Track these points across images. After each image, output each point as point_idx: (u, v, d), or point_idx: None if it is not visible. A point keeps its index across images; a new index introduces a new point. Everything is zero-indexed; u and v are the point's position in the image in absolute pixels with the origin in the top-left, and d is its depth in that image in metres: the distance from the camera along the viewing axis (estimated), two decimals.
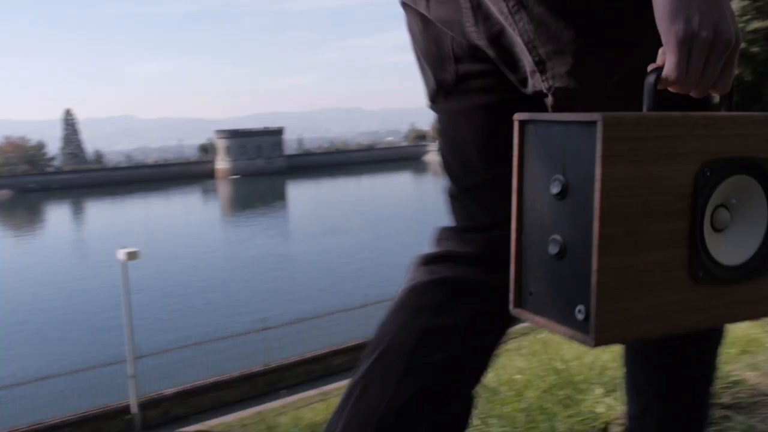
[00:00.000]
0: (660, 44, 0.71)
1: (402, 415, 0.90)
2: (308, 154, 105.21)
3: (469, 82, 0.95)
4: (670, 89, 0.70)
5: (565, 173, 0.66)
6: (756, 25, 10.53)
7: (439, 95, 0.99)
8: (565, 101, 0.85)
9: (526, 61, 0.86)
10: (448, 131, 1.01)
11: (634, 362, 1.12)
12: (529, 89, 0.87)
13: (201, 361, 15.35)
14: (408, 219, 41.91)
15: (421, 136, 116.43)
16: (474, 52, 0.93)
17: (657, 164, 0.64)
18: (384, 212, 46.08)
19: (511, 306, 0.75)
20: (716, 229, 0.68)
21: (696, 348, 1.06)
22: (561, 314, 0.67)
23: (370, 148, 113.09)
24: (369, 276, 25.07)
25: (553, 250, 0.67)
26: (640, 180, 0.63)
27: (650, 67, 0.70)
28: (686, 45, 0.67)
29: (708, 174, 0.66)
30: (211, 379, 15.07)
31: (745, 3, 9.90)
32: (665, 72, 0.69)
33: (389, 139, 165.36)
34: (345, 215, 45.41)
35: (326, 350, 16.50)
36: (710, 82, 0.70)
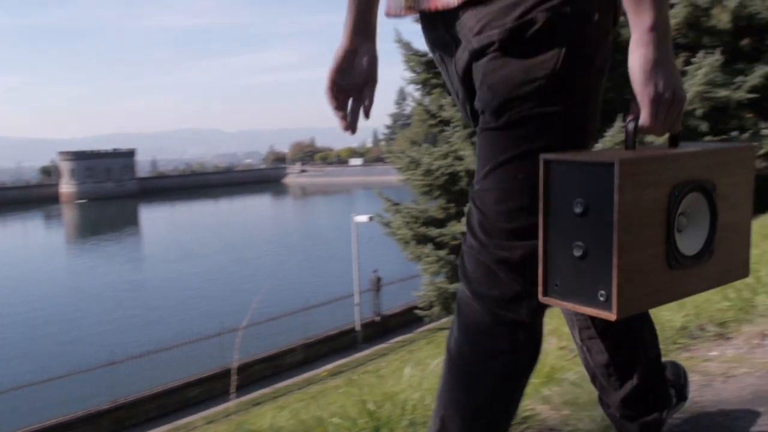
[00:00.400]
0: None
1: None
2: (162, 176, 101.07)
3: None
4: (641, 132, 1.00)
5: (586, 198, 0.92)
6: None
7: None
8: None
9: None
10: None
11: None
12: None
13: (39, 403, 14.18)
14: (267, 242, 41.37)
15: (280, 159, 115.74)
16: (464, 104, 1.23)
17: (648, 189, 0.92)
18: (243, 236, 45.14)
19: (540, 296, 1.00)
20: (679, 231, 0.97)
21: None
22: (584, 298, 0.93)
23: (228, 170, 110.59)
24: (227, 302, 24.36)
25: (577, 253, 0.93)
26: (639, 201, 0.90)
27: (629, 118, 1.00)
28: (655, 103, 0.98)
29: (676, 194, 0.95)
30: (50, 422, 13.96)
31: None
32: (641, 122, 0.99)
33: (248, 161, 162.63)
34: (202, 240, 43.98)
35: (180, 382, 15.82)
36: (668, 127, 1.01)
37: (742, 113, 11.10)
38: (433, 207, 14.37)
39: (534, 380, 1.77)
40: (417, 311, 13.43)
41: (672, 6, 10.74)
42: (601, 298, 0.90)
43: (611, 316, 0.90)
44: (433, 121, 13.84)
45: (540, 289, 0.99)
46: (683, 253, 0.97)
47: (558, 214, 0.96)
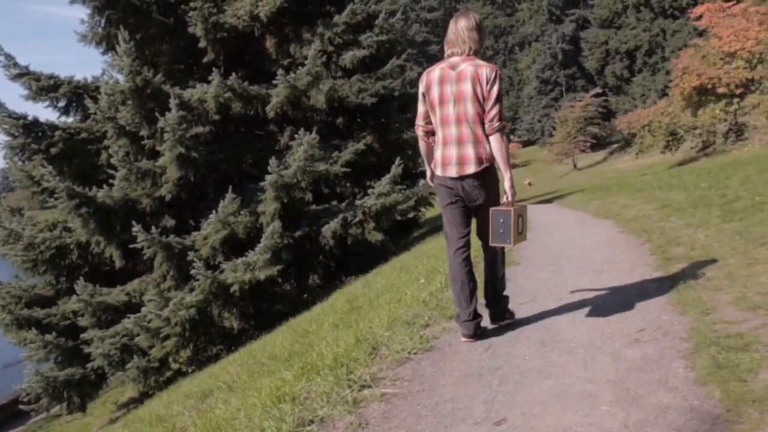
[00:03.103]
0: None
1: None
2: None
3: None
4: (508, 204, 3.89)
5: (503, 218, 3.82)
6: (197, 130, 11.48)
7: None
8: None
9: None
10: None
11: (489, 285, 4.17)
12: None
13: None
14: None
15: None
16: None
17: (516, 215, 3.84)
18: None
19: (491, 242, 3.87)
20: (518, 225, 3.91)
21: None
22: (502, 242, 3.85)
23: None
24: None
25: (501, 231, 3.84)
26: (515, 219, 3.84)
27: (505, 198, 3.85)
28: (512, 195, 3.83)
29: (519, 216, 3.89)
30: None
31: (183, 113, 10.72)
32: (509, 200, 3.82)
33: None
34: None
35: None
36: (513, 200, 3.85)
37: (341, 183, 12.31)
38: (40, 283, 12.89)
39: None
40: (21, 406, 11.71)
41: (275, 86, 11.48)
42: (508, 242, 3.78)
43: (510, 245, 3.81)
44: (36, 189, 12.48)
45: (491, 241, 3.82)
46: (520, 232, 3.86)
47: (495, 222, 3.79)
